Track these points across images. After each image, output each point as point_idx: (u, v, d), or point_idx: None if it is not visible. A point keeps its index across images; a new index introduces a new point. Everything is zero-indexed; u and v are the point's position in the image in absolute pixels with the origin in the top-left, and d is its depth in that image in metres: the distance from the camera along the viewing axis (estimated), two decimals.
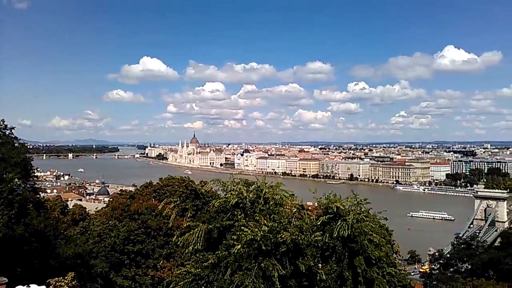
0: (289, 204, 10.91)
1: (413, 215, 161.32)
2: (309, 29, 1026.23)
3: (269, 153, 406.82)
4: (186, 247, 10.17)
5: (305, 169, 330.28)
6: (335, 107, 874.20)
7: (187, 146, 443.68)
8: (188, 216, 11.51)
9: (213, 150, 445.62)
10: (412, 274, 77.22)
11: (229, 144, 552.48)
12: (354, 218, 9.49)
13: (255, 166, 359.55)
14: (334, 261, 9.47)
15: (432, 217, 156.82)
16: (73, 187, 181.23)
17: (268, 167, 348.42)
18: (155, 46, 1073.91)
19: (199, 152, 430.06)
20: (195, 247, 9.94)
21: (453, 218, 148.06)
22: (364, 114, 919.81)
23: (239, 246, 8.70)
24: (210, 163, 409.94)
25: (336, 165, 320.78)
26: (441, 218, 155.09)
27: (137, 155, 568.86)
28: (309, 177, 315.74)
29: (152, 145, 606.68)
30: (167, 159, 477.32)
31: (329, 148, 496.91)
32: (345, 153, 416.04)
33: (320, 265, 9.61)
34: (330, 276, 9.14)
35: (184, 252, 10.51)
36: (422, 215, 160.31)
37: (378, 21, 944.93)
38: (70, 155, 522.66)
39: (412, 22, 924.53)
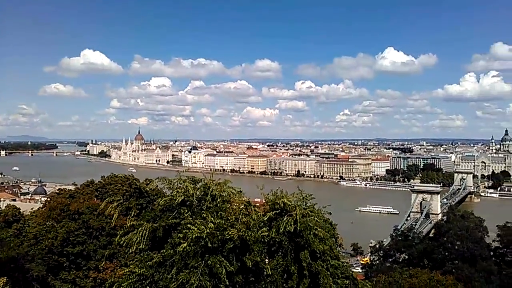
0: (236, 201, 10.88)
1: (361, 209, 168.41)
2: (257, 27, 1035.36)
3: (217, 150, 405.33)
4: (129, 247, 9.82)
5: (253, 166, 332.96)
6: (283, 105, 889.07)
7: (132, 143, 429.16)
8: (132, 215, 11.11)
9: (159, 147, 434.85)
10: (354, 265, 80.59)
11: (176, 141, 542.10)
12: (300, 213, 9.62)
13: (203, 163, 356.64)
14: (280, 256, 9.57)
15: (379, 211, 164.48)
16: (6, 187, 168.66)
17: (217, 164, 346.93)
18: (97, 38, 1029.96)
19: (145, 149, 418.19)
20: (139, 247, 9.62)
21: (397, 212, 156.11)
22: (310, 112, 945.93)
23: (185, 244, 8.54)
24: (156, 160, 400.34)
25: (283, 162, 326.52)
26: (387, 212, 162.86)
27: (78, 153, 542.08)
28: (257, 174, 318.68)
29: (94, 142, 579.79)
30: (110, 156, 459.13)
31: (277, 145, 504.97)
32: (292, 150, 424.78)
33: (266, 260, 9.68)
34: (276, 270, 9.23)
35: (128, 252, 10.14)
36: (370, 209, 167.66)
37: (323, 22, 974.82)
38: (3, 152, 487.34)
39: (356, 24, 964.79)
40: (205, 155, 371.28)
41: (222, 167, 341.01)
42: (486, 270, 43.03)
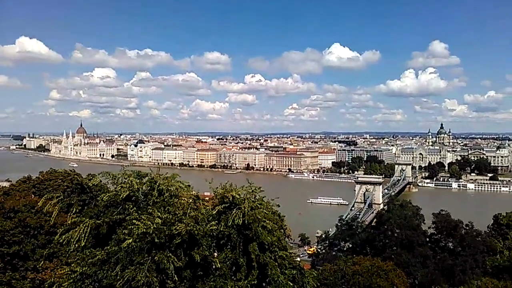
0: (185, 195, 10.71)
1: (312, 201, 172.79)
2: (206, 20, 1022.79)
3: (165, 144, 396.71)
4: (69, 245, 9.35)
5: (202, 159, 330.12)
6: (232, 98, 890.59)
7: (73, 137, 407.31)
8: (74, 212, 10.58)
9: (103, 140, 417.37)
10: (301, 255, 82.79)
11: (121, 134, 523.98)
12: (249, 206, 9.69)
13: (150, 157, 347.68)
14: (229, 249, 9.59)
15: (329, 202, 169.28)
16: None
17: (165, 158, 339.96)
18: (34, 25, 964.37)
19: (87, 143, 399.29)
20: (81, 244, 9.19)
21: (347, 203, 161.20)
22: (260, 105, 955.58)
23: (130, 240, 8.29)
24: (100, 154, 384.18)
25: (233, 155, 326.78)
26: (337, 203, 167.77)
27: (13, 147, 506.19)
28: (207, 167, 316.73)
29: (31, 136, 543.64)
30: (49, 150, 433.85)
31: (226, 139, 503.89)
32: (242, 143, 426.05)
33: (215, 254, 9.65)
34: (225, 264, 9.24)
35: (69, 251, 9.66)
36: (321, 201, 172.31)
37: (273, 17, 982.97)
38: None
39: (304, 19, 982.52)
40: (153, 149, 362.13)
41: (170, 161, 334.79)
42: (422, 255, 45.96)
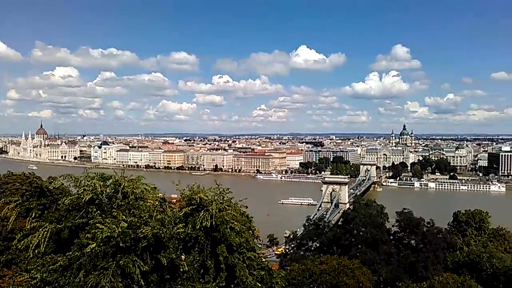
0: (151, 198, 10.49)
1: (283, 202, 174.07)
2: (173, 19, 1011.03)
3: (130, 145, 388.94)
4: (28, 251, 8.95)
5: (169, 161, 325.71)
6: (200, 99, 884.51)
7: (33, 138, 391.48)
8: (33, 216, 10.15)
9: (65, 142, 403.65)
10: (269, 256, 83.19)
11: (84, 136, 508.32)
12: (217, 208, 9.62)
13: (115, 159, 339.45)
14: (197, 251, 9.48)
15: (300, 203, 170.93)
16: None
17: (130, 160, 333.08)
18: None
19: (48, 145, 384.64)
20: (40, 250, 8.81)
21: (317, 203, 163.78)
22: (228, 106, 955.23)
23: (93, 245, 8.03)
24: (62, 156, 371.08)
25: (201, 156, 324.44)
26: (307, 203, 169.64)
27: None
28: (174, 169, 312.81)
29: None
30: (7, 152, 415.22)
31: (194, 140, 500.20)
32: (210, 144, 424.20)
33: (182, 256, 9.52)
34: (193, 266, 9.13)
35: (28, 257, 9.24)
36: (291, 201, 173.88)
37: (240, 17, 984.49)
38: None
39: (271, 20, 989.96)
40: (117, 151, 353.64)
41: (136, 163, 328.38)
42: (386, 253, 47.24)
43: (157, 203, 10.07)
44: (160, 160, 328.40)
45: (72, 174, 10.66)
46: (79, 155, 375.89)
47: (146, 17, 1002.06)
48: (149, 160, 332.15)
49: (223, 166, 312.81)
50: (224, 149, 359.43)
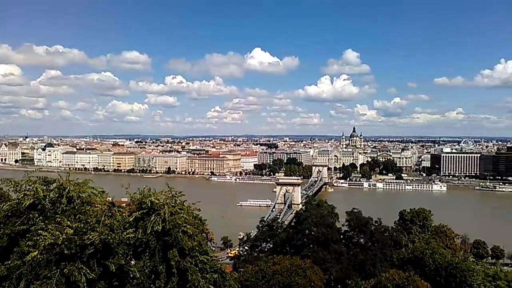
0: (98, 202, 10.08)
1: (242, 204, 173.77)
2: (123, 17, 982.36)
3: (78, 147, 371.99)
4: None
5: (120, 163, 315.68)
6: (152, 100, 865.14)
7: None
8: None
9: (5, 144, 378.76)
10: (222, 259, 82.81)
11: (27, 137, 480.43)
12: (169, 211, 9.43)
13: (60, 162, 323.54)
14: (148, 256, 9.25)
15: (258, 204, 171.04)
16: None
17: (77, 162, 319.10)
18: None
19: None
20: None
21: None
22: (181, 107, 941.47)
23: (35, 253, 7.59)
24: (2, 159, 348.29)
25: (153, 158, 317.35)
26: (266, 205, 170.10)
27: None
28: (125, 172, 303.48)
29: None
30: None
31: (146, 142, 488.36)
32: (163, 146, 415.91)
33: (132, 262, 9.24)
34: (143, 272, 8.89)
35: None
36: (250, 203, 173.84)
37: (195, 18, 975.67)
38: None
39: (226, 22, 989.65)
40: (63, 153, 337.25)
41: (83, 165, 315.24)
42: (337, 252, 48.63)
43: (105, 207, 9.69)
44: (110, 163, 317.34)
45: (12, 178, 10.01)
46: (20, 158, 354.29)
47: (96, 15, 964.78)
48: (98, 162, 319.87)
49: (176, 168, 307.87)
50: (178, 151, 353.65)
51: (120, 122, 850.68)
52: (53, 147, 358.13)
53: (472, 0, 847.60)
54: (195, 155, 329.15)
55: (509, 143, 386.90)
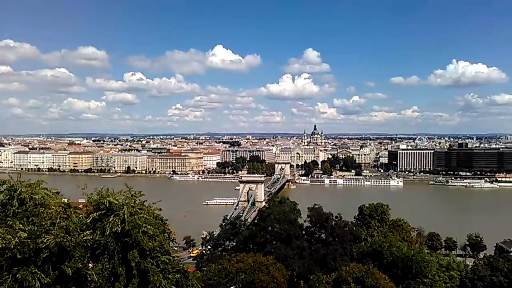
0: (53, 204, 9.66)
1: (208, 203, 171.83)
2: (79, 12, 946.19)
3: (30, 147, 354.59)
4: None
5: (76, 163, 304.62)
6: (110, 97, 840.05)
7: None
8: None
9: None
10: (185, 258, 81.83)
11: None
12: (128, 211, 9.23)
13: (11, 162, 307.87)
14: (106, 258, 9.00)
15: (225, 203, 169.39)
16: None
17: (30, 162, 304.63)
18: None
19: None
20: None
21: None
22: (141, 105, 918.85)
23: None
24: None
25: (112, 158, 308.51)
26: (232, 203, 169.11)
27: None
28: (82, 172, 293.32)
29: None
30: None
31: (104, 140, 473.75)
32: (122, 145, 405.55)
33: (90, 265, 8.96)
34: (102, 275, 8.65)
35: None
36: (216, 202, 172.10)
37: (154, 14, 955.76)
38: None
39: (187, 18, 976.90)
40: (15, 153, 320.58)
41: (37, 166, 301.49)
42: (299, 247, 49.41)
43: (60, 209, 9.32)
44: (66, 163, 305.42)
45: None
46: None
47: (50, 8, 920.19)
48: (53, 162, 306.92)
49: (136, 167, 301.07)
50: (137, 150, 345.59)
51: (76, 120, 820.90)
52: (3, 146, 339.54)
53: (426, 3, 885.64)
54: (156, 154, 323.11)
55: (460, 139, 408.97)
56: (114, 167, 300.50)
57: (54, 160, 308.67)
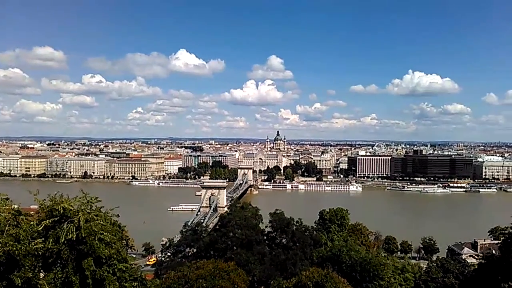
0: (1, 210, 9.19)
1: (173, 209, 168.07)
2: (35, 11, 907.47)
3: None
4: None
5: (28, 168, 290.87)
6: (67, 99, 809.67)
7: None
8: None
9: None
10: (142, 266, 79.84)
11: None
12: (84, 218, 8.93)
13: None
14: (59, 267, 8.65)
15: (190, 209, 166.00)
16: None
17: None
18: None
19: None
20: None
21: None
22: (100, 108, 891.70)
23: None
24: None
25: (67, 162, 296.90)
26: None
27: None
28: (35, 177, 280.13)
29: None
30: None
31: (59, 144, 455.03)
32: (79, 149, 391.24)
33: (42, 274, 8.58)
34: (54, 284, 8.30)
35: None
36: (182, 208, 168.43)
37: (114, 16, 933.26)
38: None
39: (150, 21, 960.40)
40: None
41: None
42: (260, 253, 49.48)
43: (10, 216, 8.87)
44: (17, 167, 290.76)
45: None
46: None
47: (3, 6, 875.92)
48: (3, 167, 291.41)
49: (94, 172, 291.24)
50: (95, 154, 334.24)
51: (30, 123, 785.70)
52: None
53: (385, 17, 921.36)
54: (115, 158, 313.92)
55: (415, 146, 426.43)
56: (70, 172, 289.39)
57: (4, 164, 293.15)
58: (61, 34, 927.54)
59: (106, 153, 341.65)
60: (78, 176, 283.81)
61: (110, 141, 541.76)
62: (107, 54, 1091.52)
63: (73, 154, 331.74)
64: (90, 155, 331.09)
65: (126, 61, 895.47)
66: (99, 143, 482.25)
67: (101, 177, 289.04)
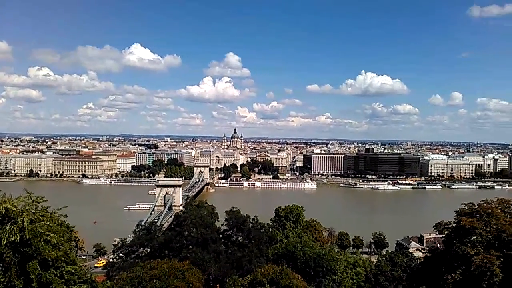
0: None
1: (130, 208, 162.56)
2: None
3: None
4: None
5: None
6: (11, 93, 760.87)
7: None
8: None
9: None
10: (92, 268, 77.14)
11: None
12: (28, 219, 8.49)
13: None
14: (1, 271, 8.18)
15: (148, 207, 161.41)
16: None
17: None
18: None
19: None
20: None
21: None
22: (47, 103, 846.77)
23: None
24: None
25: (11, 160, 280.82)
26: None
27: None
28: None
29: None
30: None
31: (2, 141, 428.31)
32: (23, 146, 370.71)
33: None
34: None
35: None
36: (139, 207, 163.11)
37: (65, 5, 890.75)
38: None
39: (102, 15, 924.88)
40: None
41: None
42: (216, 251, 49.40)
43: None
44: None
45: None
46: None
47: None
48: None
49: (40, 170, 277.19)
50: (42, 151, 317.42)
51: None
52: None
53: (339, 18, 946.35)
54: (64, 155, 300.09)
55: (367, 145, 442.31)
56: (14, 170, 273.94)
57: None
58: (4, 24, 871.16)
59: (54, 150, 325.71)
60: (23, 175, 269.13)
61: (58, 137, 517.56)
62: (56, 46, 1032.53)
63: (18, 151, 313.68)
64: (37, 152, 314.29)
65: (76, 54, 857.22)
66: (46, 140, 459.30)
67: (49, 175, 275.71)
